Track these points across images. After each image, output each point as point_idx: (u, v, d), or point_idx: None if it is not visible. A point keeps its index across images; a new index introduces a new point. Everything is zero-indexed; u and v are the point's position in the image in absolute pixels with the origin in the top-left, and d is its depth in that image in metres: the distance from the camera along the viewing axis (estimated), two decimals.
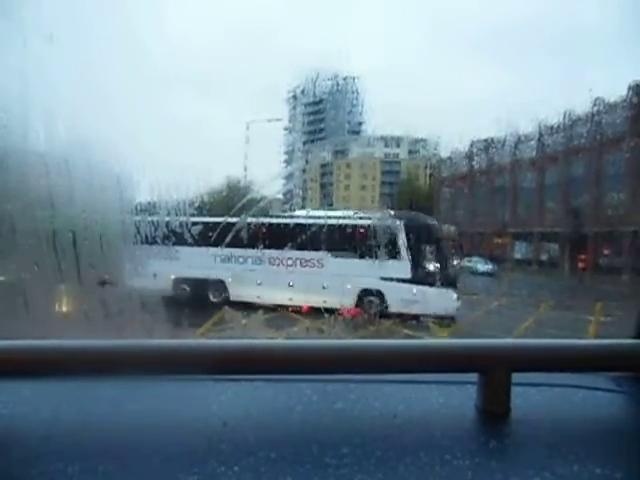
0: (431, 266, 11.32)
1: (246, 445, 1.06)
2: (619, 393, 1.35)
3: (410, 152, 44.39)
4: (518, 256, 23.47)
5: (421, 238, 11.35)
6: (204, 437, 1.09)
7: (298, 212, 12.89)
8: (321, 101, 53.54)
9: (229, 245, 11.05)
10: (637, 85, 17.46)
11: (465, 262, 16.08)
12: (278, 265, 11.28)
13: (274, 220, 11.90)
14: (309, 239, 10.71)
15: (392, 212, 12.38)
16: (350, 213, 12.09)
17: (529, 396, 1.28)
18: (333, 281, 10.63)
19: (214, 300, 12.13)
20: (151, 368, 1.19)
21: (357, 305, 11.00)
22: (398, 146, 45.88)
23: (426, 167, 37.74)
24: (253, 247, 11.20)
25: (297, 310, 10.70)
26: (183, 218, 11.97)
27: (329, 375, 1.32)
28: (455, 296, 10.69)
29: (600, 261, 19.89)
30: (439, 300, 10.22)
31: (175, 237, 10.94)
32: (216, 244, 11.08)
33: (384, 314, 10.41)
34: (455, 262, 12.83)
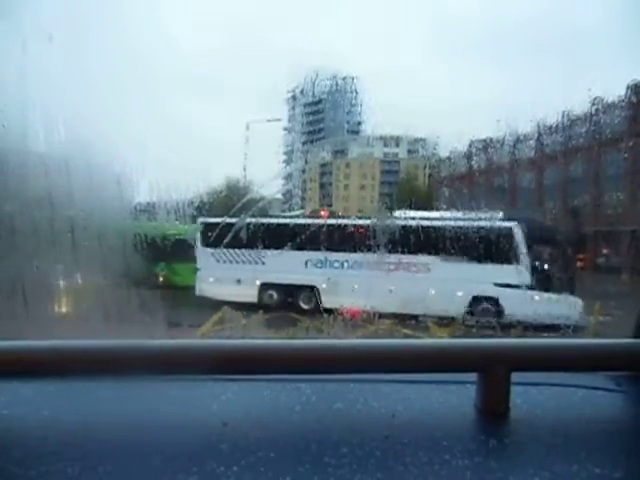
0: (550, 270, 10.39)
1: (246, 445, 1.07)
2: (618, 392, 1.35)
3: (409, 152, 44.39)
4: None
5: (539, 241, 10.40)
6: (204, 437, 1.09)
7: (397, 213, 11.76)
8: (320, 101, 53.53)
9: (323, 248, 10.65)
10: (636, 85, 17.44)
11: None
12: (378, 270, 10.16)
13: (375, 222, 10.39)
14: (413, 242, 9.67)
15: (502, 214, 10.96)
16: (456, 214, 10.85)
17: (528, 395, 1.28)
18: (441, 287, 9.68)
19: (305, 307, 11.44)
20: (150, 368, 1.19)
21: (469, 313, 9.93)
22: (397, 146, 45.88)
23: (425, 167, 37.75)
24: (350, 251, 10.54)
25: (404, 318, 9.23)
26: (272, 220, 11.62)
27: (328, 375, 1.32)
28: (580, 303, 9.30)
29: (599, 261, 19.90)
30: (563, 307, 8.84)
31: (262, 240, 10.86)
32: (308, 247, 10.65)
33: (503, 324, 9.03)
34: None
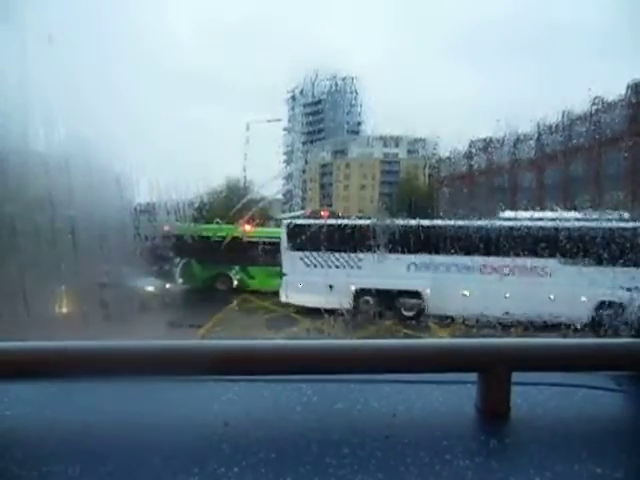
0: None
1: (247, 445, 1.07)
2: (618, 392, 1.36)
3: (409, 152, 44.39)
4: None
5: None
6: (205, 437, 1.10)
7: (507, 213, 10.79)
8: (320, 101, 53.59)
9: (428, 251, 9.87)
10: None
11: None
12: (490, 274, 9.49)
13: (486, 223, 9.76)
14: (528, 244, 9.00)
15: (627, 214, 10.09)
16: (574, 214, 10.01)
17: (529, 395, 1.28)
18: (562, 292, 8.74)
19: (407, 314, 10.57)
20: (152, 369, 1.19)
21: (594, 319, 8.98)
22: (397, 146, 45.86)
23: (425, 167, 37.72)
24: (457, 253, 9.61)
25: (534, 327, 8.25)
26: (369, 221, 10.57)
27: (329, 375, 1.33)
28: None
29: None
30: None
31: (357, 243, 10.19)
32: (411, 250, 9.73)
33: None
34: None
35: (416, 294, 10.75)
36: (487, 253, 9.35)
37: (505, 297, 8.78)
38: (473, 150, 25.52)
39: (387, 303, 10.68)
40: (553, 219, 9.56)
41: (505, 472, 1.03)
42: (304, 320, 10.11)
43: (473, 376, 1.24)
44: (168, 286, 14.39)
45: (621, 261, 8.30)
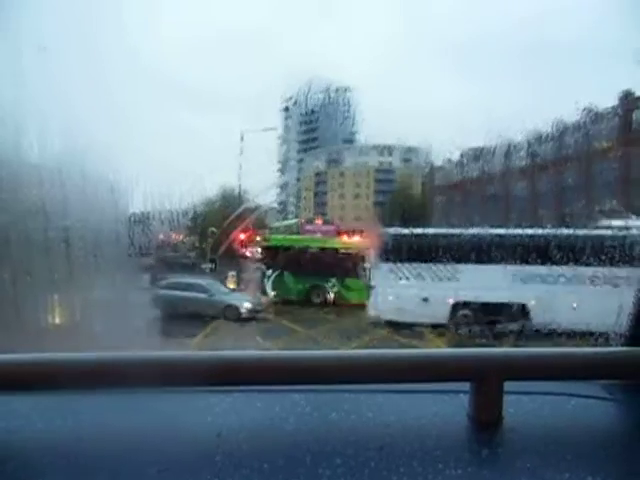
0: None
1: (240, 457, 1.07)
2: (611, 401, 1.36)
3: (404, 160, 44.64)
4: None
5: None
6: (198, 449, 1.09)
7: (607, 222, 10.00)
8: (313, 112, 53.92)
9: (532, 261, 9.19)
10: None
11: None
12: (601, 285, 8.63)
13: (599, 232, 9.12)
14: None
15: None
16: None
17: (521, 405, 1.28)
18: None
19: (511, 329, 9.67)
20: (144, 380, 1.19)
21: None
22: (390, 154, 46.11)
23: (419, 175, 37.91)
24: (565, 263, 9.04)
25: None
26: (468, 230, 9.93)
27: (322, 385, 1.33)
28: None
29: None
30: None
31: (453, 253, 9.50)
32: (512, 260, 9.13)
33: None
34: None
35: (521, 307, 10.02)
36: (597, 263, 8.60)
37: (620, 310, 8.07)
38: (465, 160, 25.77)
39: (488, 317, 9.90)
40: None
41: None
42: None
43: (466, 385, 1.25)
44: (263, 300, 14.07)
45: None
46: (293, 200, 50.12)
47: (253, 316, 13.27)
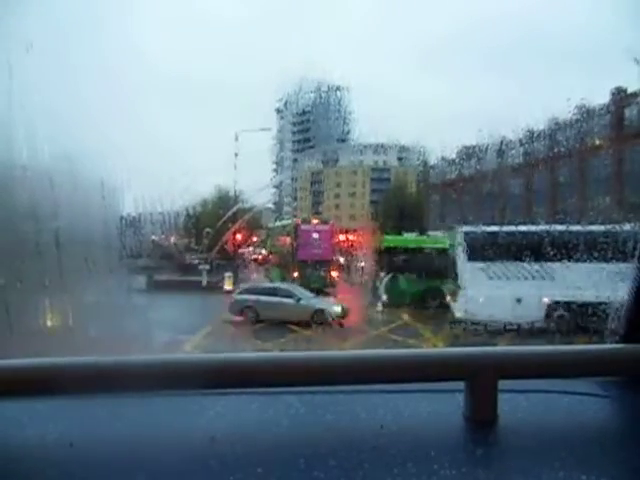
0: None
1: (234, 459, 1.06)
2: (605, 398, 1.36)
3: (399, 159, 44.74)
4: None
5: None
6: (192, 452, 1.08)
7: None
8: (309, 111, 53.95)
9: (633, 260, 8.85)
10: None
11: None
12: None
13: None
14: None
15: None
16: None
17: (516, 403, 1.28)
18: None
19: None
20: (138, 384, 1.18)
21: None
22: (385, 153, 46.20)
23: (415, 174, 38.01)
24: None
25: None
26: (564, 227, 9.27)
27: (316, 387, 1.32)
28: None
29: None
30: None
31: (548, 251, 8.78)
32: (613, 258, 7.89)
33: None
34: None
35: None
36: None
37: None
38: (458, 159, 25.91)
39: (585, 317, 9.15)
40: None
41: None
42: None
43: (460, 384, 1.24)
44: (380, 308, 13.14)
45: None
46: (289, 200, 50.15)
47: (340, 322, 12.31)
